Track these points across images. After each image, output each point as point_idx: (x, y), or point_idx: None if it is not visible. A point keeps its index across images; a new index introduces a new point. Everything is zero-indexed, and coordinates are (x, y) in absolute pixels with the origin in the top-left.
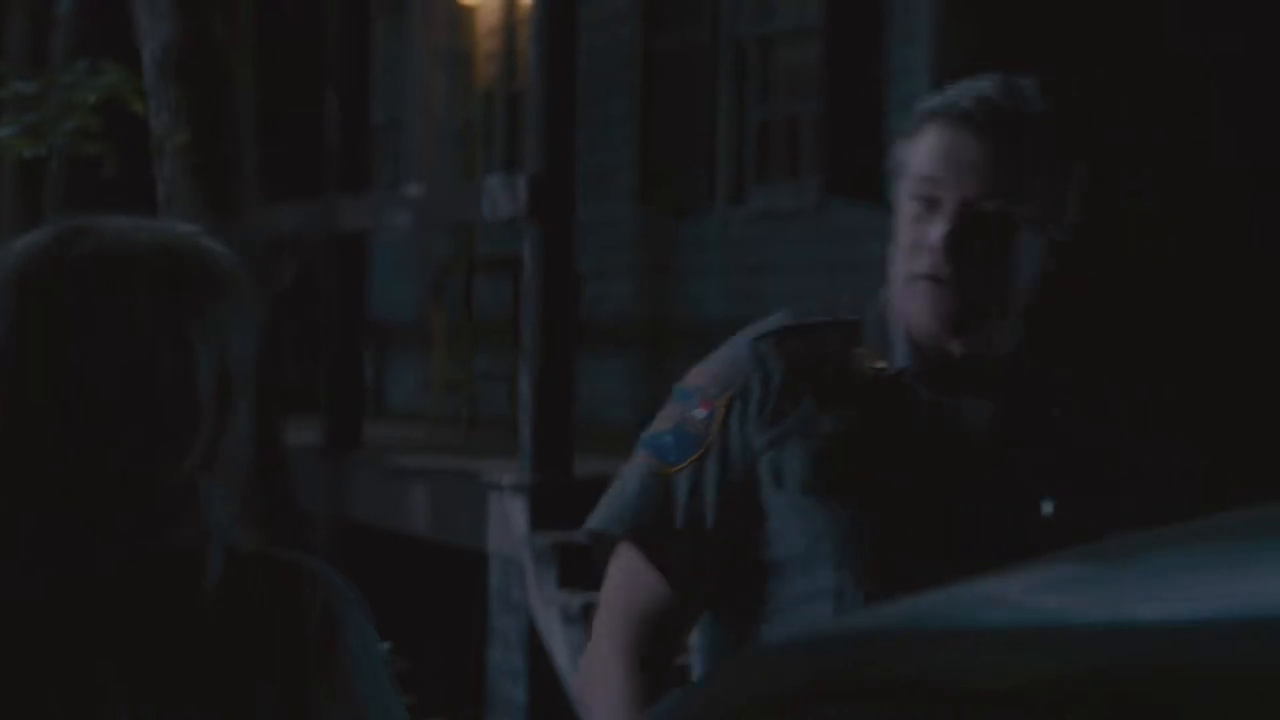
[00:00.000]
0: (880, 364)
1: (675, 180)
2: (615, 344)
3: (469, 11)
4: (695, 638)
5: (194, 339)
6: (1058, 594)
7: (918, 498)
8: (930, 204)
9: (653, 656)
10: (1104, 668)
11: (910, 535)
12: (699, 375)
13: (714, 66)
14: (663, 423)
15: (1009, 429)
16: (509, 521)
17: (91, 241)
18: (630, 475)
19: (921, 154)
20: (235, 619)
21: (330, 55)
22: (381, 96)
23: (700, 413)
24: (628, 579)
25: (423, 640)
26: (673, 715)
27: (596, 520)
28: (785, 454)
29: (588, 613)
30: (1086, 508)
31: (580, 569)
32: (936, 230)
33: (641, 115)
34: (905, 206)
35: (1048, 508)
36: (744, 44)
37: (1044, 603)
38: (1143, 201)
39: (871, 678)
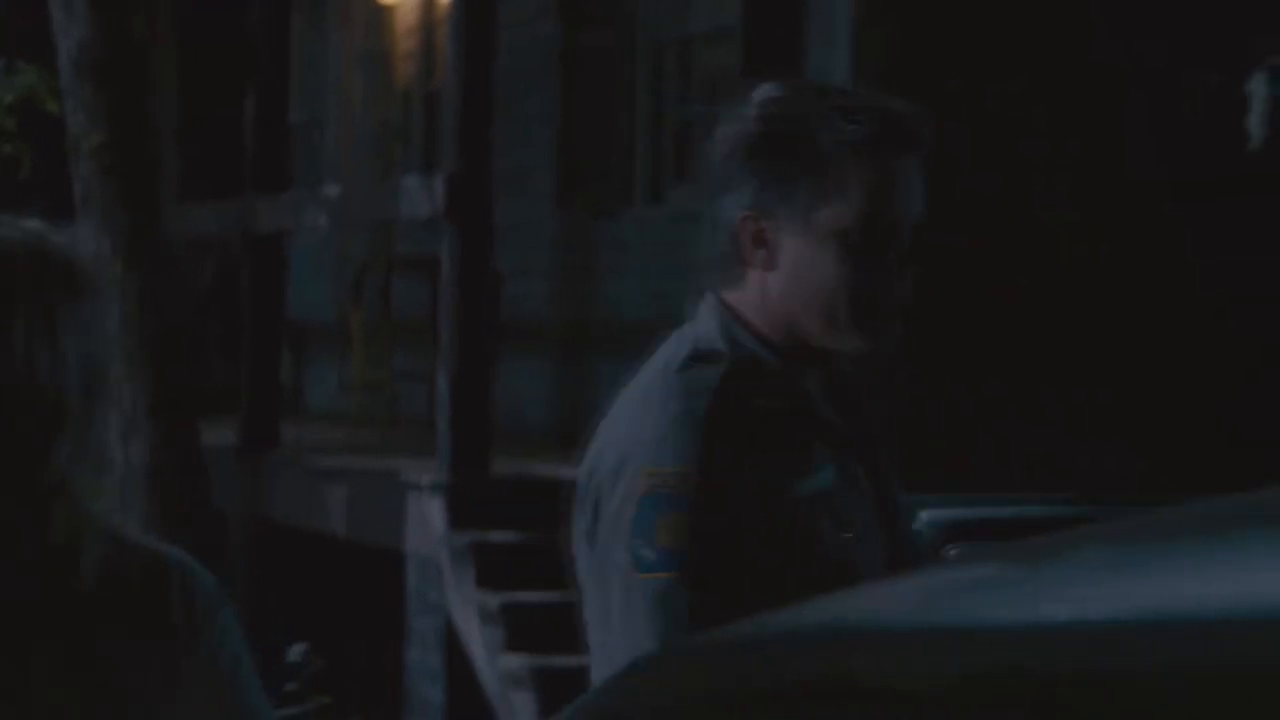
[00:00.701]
0: (779, 400)
1: (594, 180)
2: (534, 344)
3: (387, 11)
4: None
5: (63, 337)
6: (977, 593)
7: (869, 506)
8: (885, 241)
9: None
10: (1020, 668)
11: (873, 543)
12: (674, 479)
13: (632, 67)
14: (670, 538)
15: (844, 413)
16: (427, 521)
17: None
18: (665, 610)
19: (875, 191)
20: (111, 608)
21: (250, 55)
22: (301, 96)
23: (712, 517)
24: None
25: (341, 640)
26: (586, 716)
27: None
28: (765, 520)
29: (505, 612)
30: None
31: (498, 569)
32: (898, 270)
33: (560, 115)
34: (835, 245)
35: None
36: (662, 44)
37: (964, 602)
38: (1060, 212)
39: (792, 678)
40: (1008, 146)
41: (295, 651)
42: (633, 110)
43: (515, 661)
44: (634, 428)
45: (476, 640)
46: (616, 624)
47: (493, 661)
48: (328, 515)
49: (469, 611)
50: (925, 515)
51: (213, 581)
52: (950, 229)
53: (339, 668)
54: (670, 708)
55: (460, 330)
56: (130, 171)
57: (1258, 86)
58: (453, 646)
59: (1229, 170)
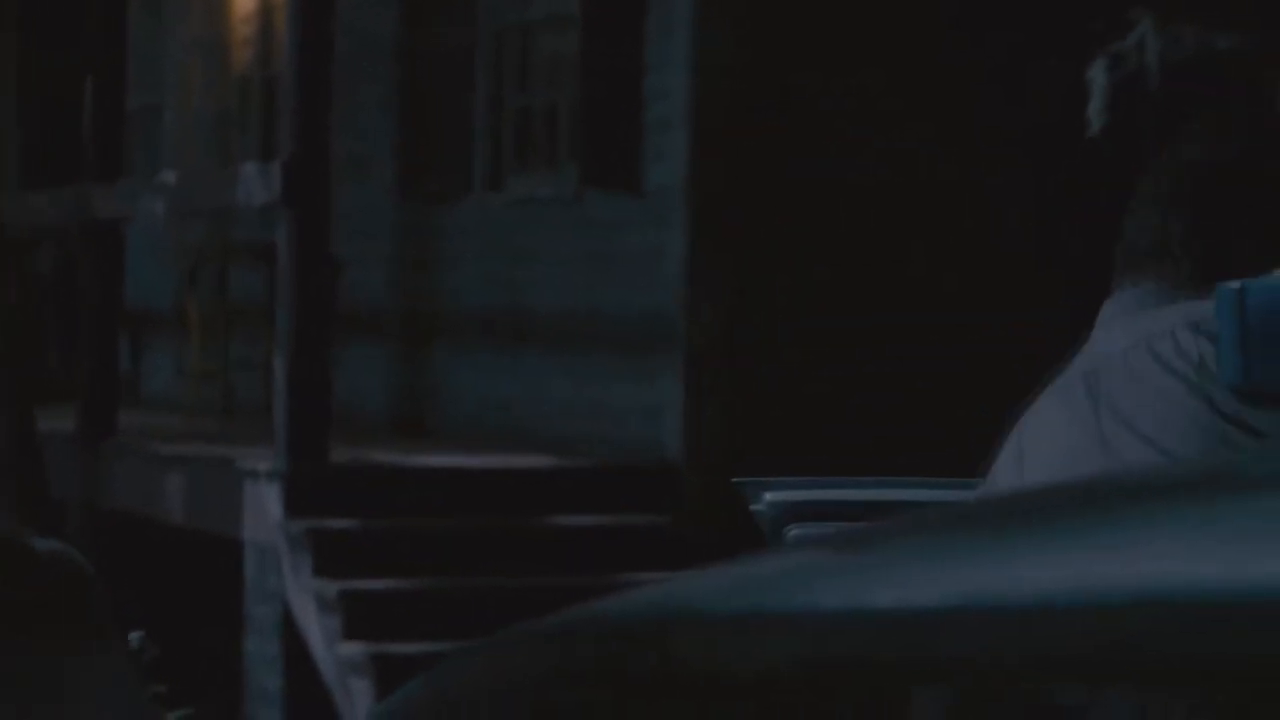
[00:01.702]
0: None
1: (435, 168)
2: (373, 333)
3: None
4: None
5: None
6: (804, 579)
7: None
8: None
9: None
10: (845, 655)
11: None
12: None
13: (472, 53)
14: None
15: None
16: (264, 509)
17: None
18: None
19: None
20: (26, 612)
21: (88, 42)
22: (138, 83)
23: None
24: None
25: (179, 628)
26: (409, 704)
27: None
28: None
29: (343, 600)
30: None
31: (336, 556)
32: None
33: (400, 101)
34: None
35: None
36: (503, 31)
37: (790, 588)
38: (910, 207)
39: (618, 664)
40: (860, 142)
41: (131, 639)
42: (473, 97)
43: (353, 649)
44: None
45: (314, 628)
46: None
47: (331, 649)
48: (165, 503)
49: (307, 599)
50: (768, 496)
51: (94, 572)
52: (802, 222)
53: (176, 656)
54: (501, 691)
55: (297, 318)
56: None
57: (1097, 74)
58: (291, 634)
59: (1086, 163)
